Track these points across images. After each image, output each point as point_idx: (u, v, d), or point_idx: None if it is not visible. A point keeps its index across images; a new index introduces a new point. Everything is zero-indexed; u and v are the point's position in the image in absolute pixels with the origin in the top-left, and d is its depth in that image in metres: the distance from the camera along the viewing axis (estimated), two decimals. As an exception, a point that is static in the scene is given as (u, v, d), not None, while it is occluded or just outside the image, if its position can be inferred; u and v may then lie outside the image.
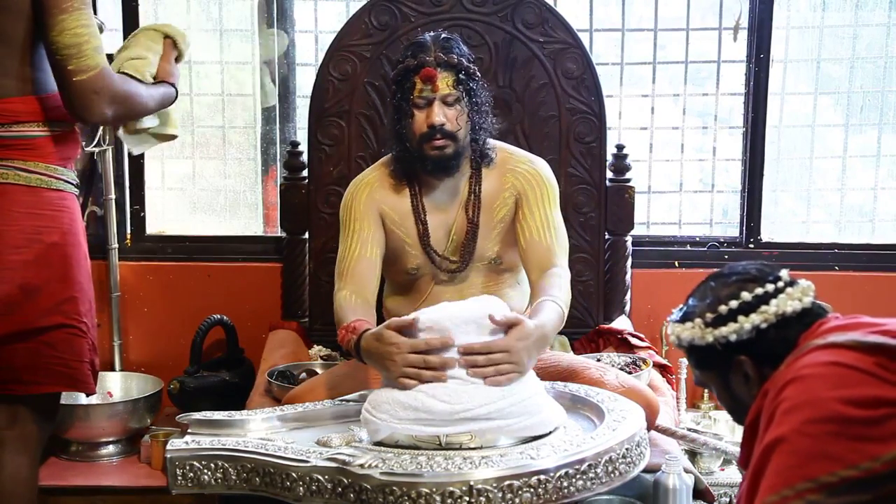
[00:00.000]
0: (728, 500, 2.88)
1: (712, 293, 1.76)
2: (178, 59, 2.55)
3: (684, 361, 3.23)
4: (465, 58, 2.49)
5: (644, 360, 2.77)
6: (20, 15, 2.23)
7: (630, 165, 3.19)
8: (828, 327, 1.67)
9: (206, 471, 2.07)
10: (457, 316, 2.12)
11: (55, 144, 2.29)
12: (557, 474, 1.93)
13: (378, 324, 2.25)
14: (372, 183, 2.60)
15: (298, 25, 3.50)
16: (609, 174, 3.17)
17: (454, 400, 2.04)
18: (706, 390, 3.36)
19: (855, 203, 3.59)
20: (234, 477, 2.06)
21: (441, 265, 2.60)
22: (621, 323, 3.14)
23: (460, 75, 2.46)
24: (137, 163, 3.45)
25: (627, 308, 3.23)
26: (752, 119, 3.43)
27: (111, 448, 3.08)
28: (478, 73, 2.53)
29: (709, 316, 1.74)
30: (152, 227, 3.52)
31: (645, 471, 2.15)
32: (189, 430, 2.18)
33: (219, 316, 3.27)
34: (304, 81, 3.50)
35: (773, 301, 1.71)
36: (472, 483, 1.88)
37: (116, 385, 3.27)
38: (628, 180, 3.17)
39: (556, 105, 3.10)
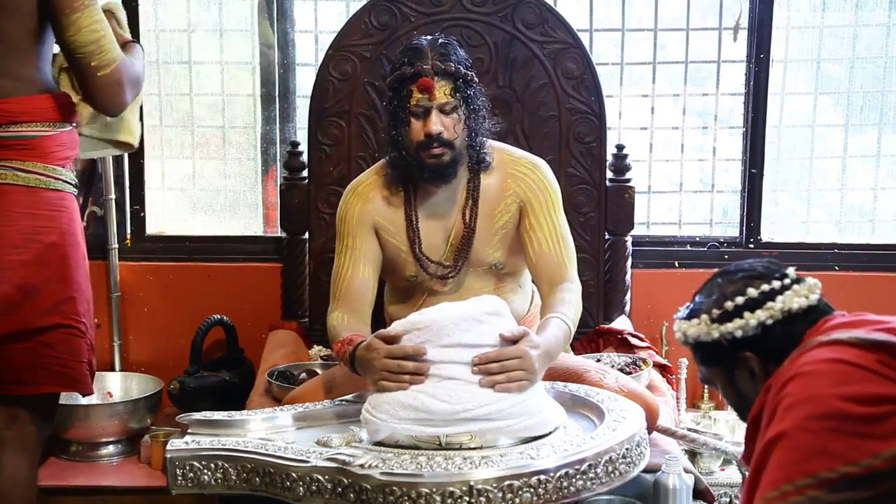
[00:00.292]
0: (728, 500, 2.88)
1: (719, 290, 1.76)
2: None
3: (684, 361, 3.23)
4: (463, 64, 2.44)
5: (644, 361, 2.77)
6: (20, 15, 2.23)
7: (630, 165, 3.19)
8: (832, 324, 1.67)
9: (206, 471, 2.07)
10: (456, 315, 2.12)
11: (53, 145, 2.29)
12: (557, 474, 1.93)
13: (381, 328, 2.26)
14: (366, 193, 2.58)
15: (298, 25, 3.50)
16: (609, 174, 3.17)
17: (454, 400, 2.05)
18: (706, 390, 3.36)
19: (855, 203, 3.58)
20: (234, 477, 2.06)
21: (435, 272, 2.58)
22: (621, 323, 3.14)
23: (458, 83, 2.42)
24: (137, 163, 3.45)
25: (627, 308, 3.22)
26: (752, 119, 3.43)
27: (111, 448, 3.08)
28: (475, 79, 2.48)
29: (715, 312, 1.74)
30: (152, 227, 3.52)
31: (645, 471, 2.15)
32: (189, 431, 2.18)
33: (219, 316, 3.27)
34: (304, 81, 3.49)
35: (780, 298, 1.71)
36: (472, 483, 1.88)
37: (116, 385, 3.26)
38: (628, 180, 3.17)
39: (556, 105, 3.10)
